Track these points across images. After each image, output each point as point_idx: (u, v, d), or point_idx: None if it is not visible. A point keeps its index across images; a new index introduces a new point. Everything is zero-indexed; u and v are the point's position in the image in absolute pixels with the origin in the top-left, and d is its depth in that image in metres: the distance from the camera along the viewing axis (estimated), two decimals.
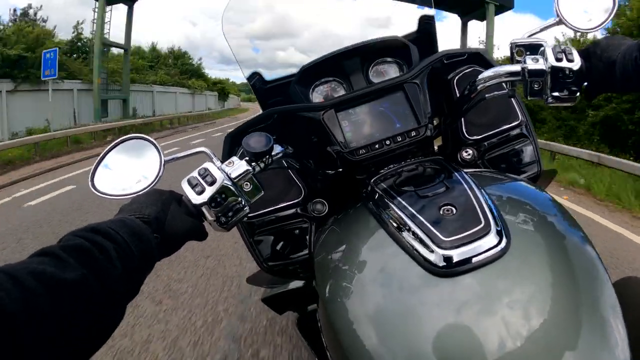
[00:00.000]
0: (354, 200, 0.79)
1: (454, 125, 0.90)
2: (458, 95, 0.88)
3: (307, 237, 0.88)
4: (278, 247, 0.88)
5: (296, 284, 1.02)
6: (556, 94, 0.66)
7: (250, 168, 0.63)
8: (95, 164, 0.65)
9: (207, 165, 0.61)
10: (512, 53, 0.71)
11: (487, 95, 0.77)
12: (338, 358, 0.56)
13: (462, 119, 0.89)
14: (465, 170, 0.73)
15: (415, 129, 0.82)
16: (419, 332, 0.48)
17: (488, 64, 0.90)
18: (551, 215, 0.61)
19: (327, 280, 0.62)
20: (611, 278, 0.54)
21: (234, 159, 0.63)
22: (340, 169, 0.88)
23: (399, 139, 0.81)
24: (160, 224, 0.54)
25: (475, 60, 0.92)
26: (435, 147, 0.98)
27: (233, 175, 0.61)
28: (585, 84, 0.68)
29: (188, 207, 0.58)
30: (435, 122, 0.90)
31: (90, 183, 0.62)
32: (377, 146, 0.81)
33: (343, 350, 0.52)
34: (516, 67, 0.68)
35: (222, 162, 0.63)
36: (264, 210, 0.86)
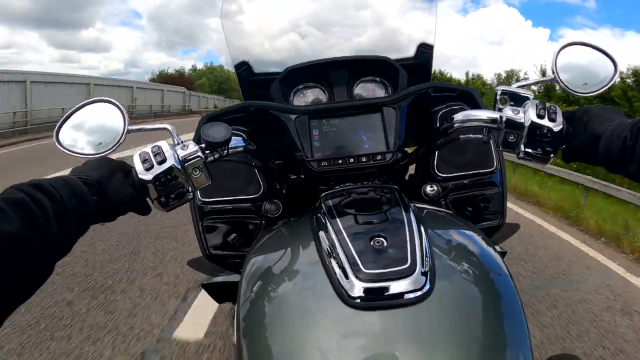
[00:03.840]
0: (307, 210, 0.78)
1: (427, 158, 0.89)
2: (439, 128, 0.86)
3: (255, 234, 0.88)
4: (225, 238, 0.89)
5: (238, 277, 1.02)
6: (529, 150, 0.64)
7: (202, 156, 0.62)
8: (63, 118, 0.66)
9: (161, 143, 0.60)
10: (495, 99, 0.69)
11: (462, 136, 0.75)
12: (236, 356, 0.55)
13: (437, 154, 0.88)
14: (419, 205, 0.71)
15: (382, 153, 0.81)
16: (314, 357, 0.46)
17: (477, 106, 0.87)
18: (491, 272, 0.58)
19: (252, 279, 0.62)
20: (547, 352, 0.50)
21: (190, 143, 0.63)
22: (303, 176, 0.87)
23: (364, 159, 0.80)
24: (101, 188, 0.54)
25: (466, 99, 0.90)
26: (407, 176, 0.96)
27: (183, 159, 0.60)
28: (564, 146, 0.65)
29: (134, 180, 0.58)
30: (410, 151, 0.88)
31: (55, 135, 0.63)
32: (340, 162, 0.80)
33: (241, 351, 0.52)
34: (495, 114, 0.66)
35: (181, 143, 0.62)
36: (219, 199, 0.86)
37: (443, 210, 0.78)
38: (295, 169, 0.88)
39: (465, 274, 0.55)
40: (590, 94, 0.77)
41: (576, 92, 0.75)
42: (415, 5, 1.06)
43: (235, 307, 0.64)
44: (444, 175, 0.88)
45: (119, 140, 0.63)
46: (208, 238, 0.88)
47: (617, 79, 0.77)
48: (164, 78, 37.64)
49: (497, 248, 0.89)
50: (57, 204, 0.46)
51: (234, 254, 0.88)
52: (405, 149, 0.99)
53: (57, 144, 0.62)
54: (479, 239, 0.65)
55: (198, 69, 50.78)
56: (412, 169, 0.96)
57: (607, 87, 0.77)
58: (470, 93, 0.89)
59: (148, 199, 0.60)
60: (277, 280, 0.59)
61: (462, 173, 0.88)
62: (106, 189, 0.55)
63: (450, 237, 0.66)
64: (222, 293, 1.00)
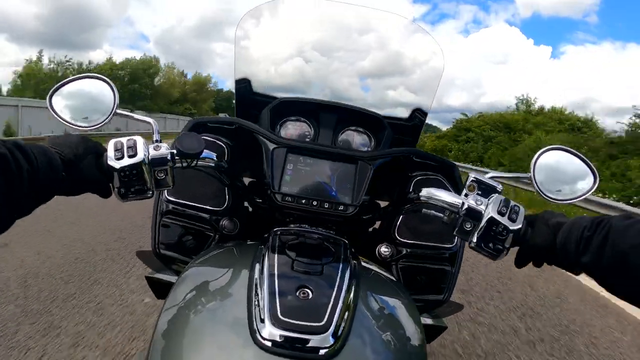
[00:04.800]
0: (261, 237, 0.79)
1: (390, 219, 0.89)
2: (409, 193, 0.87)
3: (206, 246, 0.89)
4: (177, 240, 0.90)
5: None
6: (481, 242, 0.63)
7: (170, 160, 0.64)
8: (60, 83, 0.70)
9: (138, 138, 0.62)
10: (465, 184, 0.69)
11: (424, 210, 0.75)
12: (147, 349, 0.56)
13: (401, 218, 0.88)
14: (365, 263, 0.72)
15: (345, 204, 0.81)
16: None
17: (454, 182, 0.88)
18: (407, 348, 0.58)
19: (184, 287, 0.62)
20: None
21: (164, 146, 0.65)
22: (266, 204, 0.88)
23: (326, 205, 0.81)
24: (72, 166, 0.57)
25: (446, 172, 0.90)
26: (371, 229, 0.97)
27: (152, 160, 0.62)
28: (519, 248, 0.65)
29: (103, 165, 0.60)
30: (383, 205, 0.88)
31: (48, 97, 0.67)
32: (303, 201, 0.81)
33: (150, 348, 0.54)
34: (458, 200, 0.66)
35: (159, 141, 0.65)
36: (183, 202, 0.87)
37: (387, 275, 0.77)
38: (262, 194, 0.89)
39: (381, 345, 0.56)
40: (561, 202, 0.77)
41: (548, 196, 0.75)
42: (421, 72, 1.09)
43: (162, 307, 0.64)
44: (402, 240, 0.88)
45: (104, 120, 0.67)
46: (161, 235, 0.89)
47: (591, 193, 0.78)
48: None
49: (431, 322, 0.89)
50: (32, 168, 0.49)
51: (181, 258, 0.88)
52: (378, 201, 0.99)
53: (48, 106, 0.66)
54: (409, 313, 0.65)
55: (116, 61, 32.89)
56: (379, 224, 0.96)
57: (580, 198, 0.77)
58: (452, 168, 0.89)
59: (112, 184, 0.63)
60: (204, 297, 0.60)
61: (421, 242, 0.88)
62: (76, 168, 0.58)
63: (382, 305, 0.66)
64: (163, 290, 1.00)
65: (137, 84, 31.37)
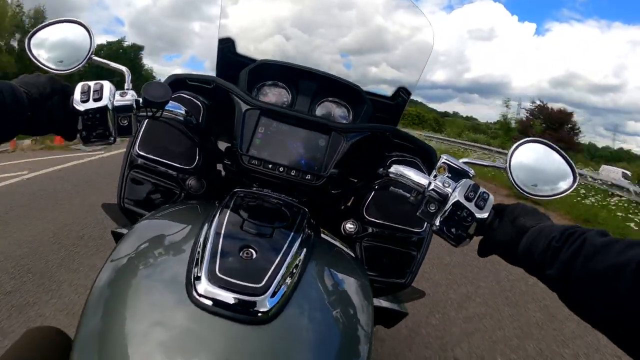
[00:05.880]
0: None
1: (361, 196, 0.87)
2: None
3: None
4: (143, 196, 0.88)
5: None
6: (444, 226, 0.61)
7: (135, 108, 0.63)
8: (42, 25, 0.71)
9: (105, 83, 0.62)
10: (436, 165, 0.66)
11: (391, 188, 0.72)
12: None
13: (372, 196, 0.86)
14: (327, 236, 0.70)
15: (313, 174, 0.79)
16: (143, 345, 0.45)
17: (431, 166, 0.85)
18: (353, 325, 0.55)
19: (132, 240, 0.61)
20: None
21: (130, 92, 0.64)
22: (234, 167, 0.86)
23: (293, 173, 0.79)
24: (37, 106, 0.57)
25: (424, 156, 0.87)
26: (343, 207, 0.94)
27: (116, 106, 0.62)
28: (482, 237, 0.62)
29: (68, 107, 0.60)
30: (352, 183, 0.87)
31: (27, 39, 0.68)
32: (270, 166, 0.79)
33: (87, 300, 0.52)
34: (425, 180, 0.64)
35: (127, 89, 0.64)
36: (153, 157, 0.86)
37: (347, 251, 0.75)
38: (232, 156, 0.87)
39: (322, 316, 0.54)
40: (537, 197, 0.74)
41: (523, 190, 0.72)
42: (409, 49, 1.04)
43: (107, 257, 0.63)
44: (370, 218, 0.85)
45: (77, 65, 0.67)
46: (128, 189, 0.87)
47: (569, 193, 0.74)
48: None
49: (391, 306, 0.87)
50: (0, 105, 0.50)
51: (144, 213, 0.86)
52: (353, 179, 0.96)
53: (26, 47, 0.67)
54: (361, 290, 0.63)
55: None
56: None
57: (556, 197, 0.74)
58: (429, 152, 0.86)
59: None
60: (149, 252, 0.59)
61: (388, 223, 0.85)
62: (42, 107, 0.58)
63: (332, 278, 0.63)
64: None
65: None
